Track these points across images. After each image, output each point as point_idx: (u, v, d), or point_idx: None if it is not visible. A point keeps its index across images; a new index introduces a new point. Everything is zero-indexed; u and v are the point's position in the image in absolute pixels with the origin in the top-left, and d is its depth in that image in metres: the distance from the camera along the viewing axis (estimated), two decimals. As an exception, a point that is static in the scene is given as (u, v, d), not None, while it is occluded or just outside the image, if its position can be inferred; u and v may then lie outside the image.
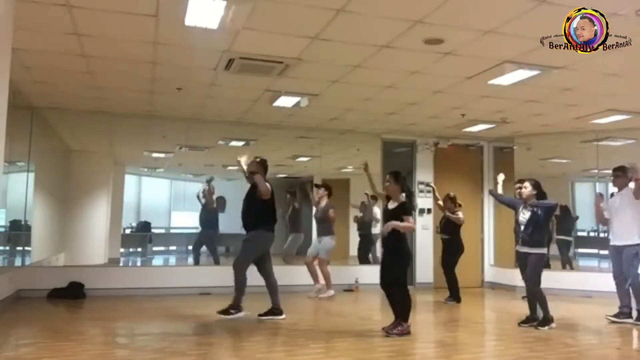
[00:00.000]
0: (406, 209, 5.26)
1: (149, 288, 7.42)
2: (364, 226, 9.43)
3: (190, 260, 9.81)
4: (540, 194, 5.75)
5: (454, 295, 7.36)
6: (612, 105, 6.93)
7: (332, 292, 7.61)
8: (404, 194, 5.31)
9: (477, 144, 9.80)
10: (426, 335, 5.58)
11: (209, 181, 9.26)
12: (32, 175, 7.66)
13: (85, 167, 9.35)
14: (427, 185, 8.63)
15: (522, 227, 5.70)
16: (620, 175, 6.09)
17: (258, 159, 6.15)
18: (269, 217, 5.91)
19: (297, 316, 6.50)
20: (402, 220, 5.15)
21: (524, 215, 5.72)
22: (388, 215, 5.34)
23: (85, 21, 4.42)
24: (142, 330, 5.40)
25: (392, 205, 5.33)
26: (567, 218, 9.28)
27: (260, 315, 5.76)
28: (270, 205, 5.94)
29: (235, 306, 5.72)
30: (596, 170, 9.57)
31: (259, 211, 5.86)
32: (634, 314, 5.95)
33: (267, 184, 5.91)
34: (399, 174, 5.43)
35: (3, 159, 3.68)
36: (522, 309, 7.44)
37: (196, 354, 4.49)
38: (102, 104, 7.40)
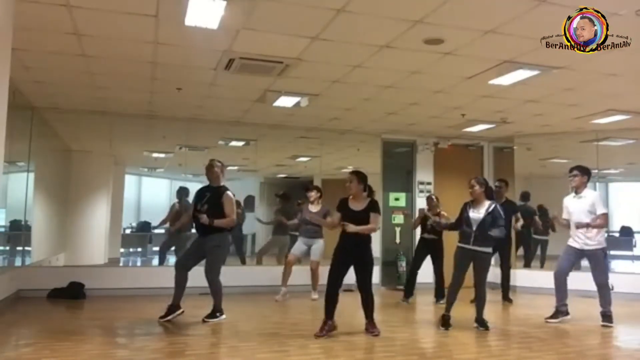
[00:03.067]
0: (377, 208, 5.20)
1: (149, 288, 7.42)
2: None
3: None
4: (488, 192, 5.69)
5: (443, 294, 7.31)
6: (612, 105, 6.93)
7: (316, 295, 7.38)
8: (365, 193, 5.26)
9: (477, 144, 9.81)
10: (427, 335, 5.58)
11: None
12: (32, 175, 7.65)
13: (85, 167, 9.34)
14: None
15: (475, 226, 5.54)
16: (578, 175, 6.02)
17: (218, 162, 6.00)
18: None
19: (297, 316, 6.51)
20: (369, 220, 5.10)
21: (478, 214, 5.57)
22: (355, 218, 5.12)
23: (85, 21, 4.42)
24: (142, 330, 5.40)
25: (357, 207, 5.20)
26: (544, 218, 9.29)
27: (161, 317, 5.68)
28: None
29: (219, 309, 5.81)
30: (596, 170, 9.57)
31: (224, 215, 5.75)
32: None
33: (230, 194, 5.88)
34: (362, 173, 5.35)
35: (3, 159, 3.68)
36: (522, 309, 7.46)
37: (196, 354, 4.50)
38: (102, 104, 7.40)
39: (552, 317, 6.07)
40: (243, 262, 9.14)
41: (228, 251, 6.06)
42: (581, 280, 7.94)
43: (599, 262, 5.94)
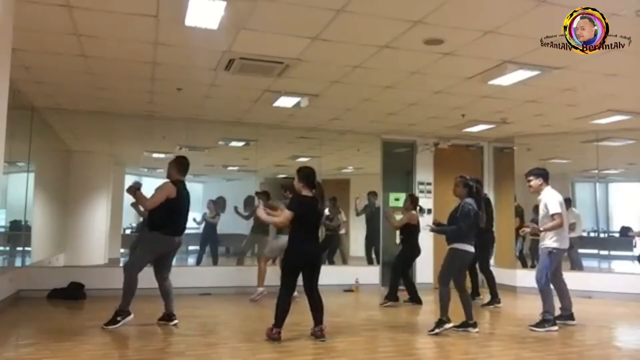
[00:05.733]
0: (288, 203, 5.13)
1: (150, 288, 7.40)
2: (331, 227, 9.48)
3: (190, 260, 9.84)
4: (470, 192, 5.59)
5: (392, 295, 7.31)
6: (612, 105, 6.93)
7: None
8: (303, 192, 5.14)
9: (477, 145, 9.81)
10: (426, 335, 5.57)
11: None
12: (32, 175, 7.65)
13: (85, 167, 9.34)
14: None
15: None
16: (532, 179, 5.95)
17: (176, 157, 5.78)
18: (171, 221, 5.46)
19: (297, 316, 6.49)
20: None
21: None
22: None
23: (85, 21, 4.42)
24: (142, 330, 5.39)
25: None
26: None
27: (159, 320, 5.61)
28: (172, 208, 5.45)
29: (122, 311, 5.35)
30: (596, 171, 9.57)
31: (161, 213, 5.40)
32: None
33: (165, 185, 5.48)
34: (303, 170, 5.22)
35: (3, 159, 3.68)
36: (522, 309, 7.46)
37: (196, 354, 4.50)
38: (102, 104, 7.40)
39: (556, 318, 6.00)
40: (215, 263, 9.28)
41: (153, 251, 5.58)
42: (581, 280, 7.98)
43: (539, 262, 5.89)
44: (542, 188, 5.92)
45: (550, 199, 5.78)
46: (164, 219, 5.41)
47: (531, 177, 5.98)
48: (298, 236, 5.01)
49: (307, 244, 5.05)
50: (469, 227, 5.43)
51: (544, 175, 5.97)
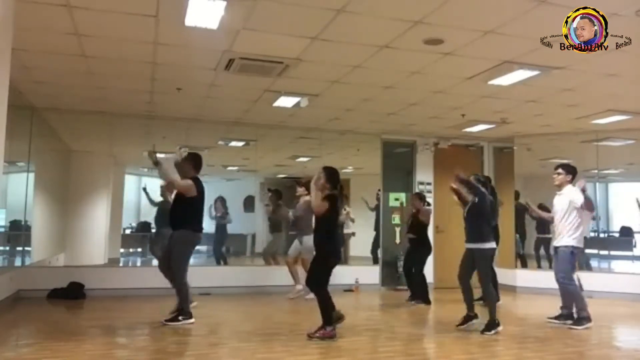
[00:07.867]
0: (330, 200, 5.01)
1: (149, 288, 7.41)
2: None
3: (190, 260, 9.82)
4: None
5: (424, 297, 7.30)
6: (612, 105, 6.93)
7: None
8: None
9: (477, 144, 9.81)
10: (427, 336, 5.58)
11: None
12: (32, 175, 7.65)
13: (85, 167, 9.35)
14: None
15: (465, 223, 5.67)
16: (562, 173, 5.96)
17: (185, 152, 5.94)
18: (194, 217, 5.61)
19: (297, 316, 6.50)
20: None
21: (465, 211, 5.72)
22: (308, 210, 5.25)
23: (85, 21, 4.42)
24: (142, 330, 5.39)
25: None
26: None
27: (166, 320, 5.50)
28: (195, 204, 5.62)
29: (185, 312, 5.48)
30: (596, 170, 9.57)
31: (184, 210, 5.56)
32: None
33: (189, 182, 5.60)
34: (330, 170, 5.19)
35: (3, 159, 3.68)
36: (522, 309, 7.45)
37: (196, 354, 4.50)
38: (102, 104, 7.40)
39: (555, 317, 6.00)
40: (218, 263, 9.22)
41: (188, 250, 5.66)
42: (581, 280, 7.96)
43: (561, 257, 5.86)
44: (565, 185, 5.95)
45: (576, 195, 5.80)
46: (190, 216, 5.56)
47: (562, 171, 5.99)
48: (332, 235, 5.06)
49: (338, 243, 5.19)
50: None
51: (574, 174, 6.00)
